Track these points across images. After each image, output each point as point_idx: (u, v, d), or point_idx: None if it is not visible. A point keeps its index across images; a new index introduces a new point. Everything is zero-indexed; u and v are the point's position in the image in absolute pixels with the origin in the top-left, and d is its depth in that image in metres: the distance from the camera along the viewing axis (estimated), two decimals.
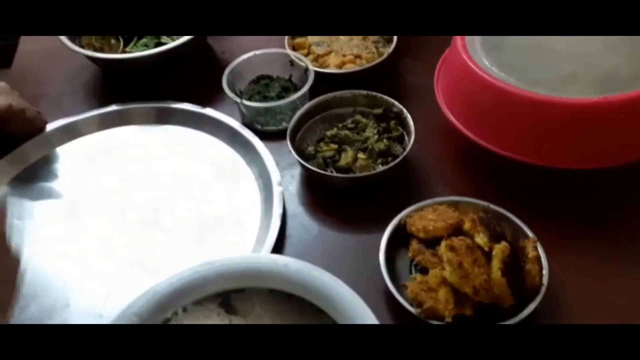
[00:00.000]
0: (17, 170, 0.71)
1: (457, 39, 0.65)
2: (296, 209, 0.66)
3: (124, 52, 0.79)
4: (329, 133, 0.69)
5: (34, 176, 0.71)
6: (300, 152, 0.67)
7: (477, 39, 0.65)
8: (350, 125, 0.70)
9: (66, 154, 0.74)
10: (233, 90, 0.73)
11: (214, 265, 0.45)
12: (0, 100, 0.68)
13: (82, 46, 0.81)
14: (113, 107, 0.76)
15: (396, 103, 0.69)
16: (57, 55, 0.85)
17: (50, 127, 0.75)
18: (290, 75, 0.77)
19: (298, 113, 0.69)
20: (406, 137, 0.68)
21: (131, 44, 0.80)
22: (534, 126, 0.59)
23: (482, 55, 0.63)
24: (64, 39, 0.78)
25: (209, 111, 0.74)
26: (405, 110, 0.68)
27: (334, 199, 0.66)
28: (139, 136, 0.75)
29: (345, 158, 0.66)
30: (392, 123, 0.69)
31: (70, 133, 0.74)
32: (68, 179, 0.71)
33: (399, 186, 0.66)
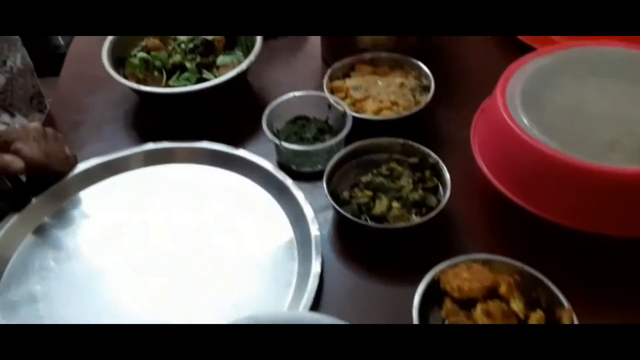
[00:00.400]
0: (55, 207, 0.72)
1: (498, 96, 0.66)
2: (329, 254, 0.66)
3: (166, 85, 0.81)
4: (364, 179, 0.70)
5: (71, 212, 0.71)
6: (334, 196, 0.68)
7: (517, 97, 0.66)
8: (385, 172, 0.70)
9: (102, 191, 0.74)
10: (271, 129, 0.75)
11: (260, 319, 0.45)
12: (24, 150, 0.68)
13: (125, 76, 0.83)
14: (150, 146, 0.76)
15: (432, 154, 0.70)
16: (100, 83, 0.87)
17: (87, 164, 0.75)
18: (327, 118, 0.78)
19: (335, 158, 0.70)
20: (441, 189, 0.68)
21: (174, 77, 0.82)
22: (572, 190, 0.60)
23: (522, 114, 0.64)
24: (108, 67, 0.80)
25: (243, 152, 0.75)
26: (441, 162, 0.69)
27: (368, 247, 0.67)
28: (174, 176, 0.75)
29: (380, 206, 0.67)
30: (428, 173, 0.70)
31: (107, 170, 0.75)
32: (103, 216, 0.71)
33: (432, 238, 0.66)
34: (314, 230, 0.65)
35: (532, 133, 0.62)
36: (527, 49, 0.86)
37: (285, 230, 0.68)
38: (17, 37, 0.83)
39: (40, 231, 0.70)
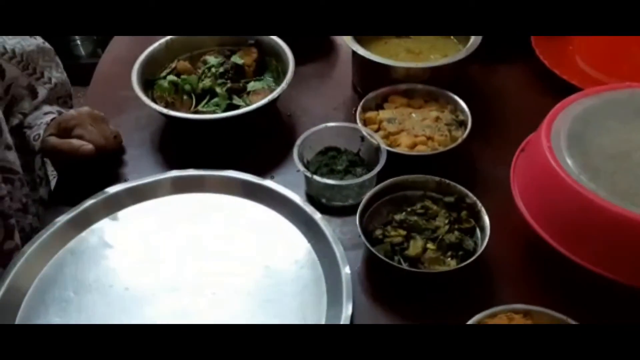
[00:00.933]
0: (76, 234, 0.69)
1: (542, 137, 0.63)
2: (360, 295, 0.63)
3: (195, 110, 0.79)
4: (397, 217, 0.67)
5: (93, 241, 0.69)
6: (366, 234, 0.65)
7: (563, 139, 0.63)
8: (419, 211, 0.68)
9: (125, 218, 0.71)
10: (301, 160, 0.72)
11: None
12: (85, 135, 0.72)
13: (153, 99, 0.81)
14: (175, 173, 0.74)
15: (470, 194, 0.67)
16: (127, 104, 0.85)
17: (111, 190, 0.72)
18: (359, 150, 0.76)
19: (368, 195, 0.67)
20: (478, 232, 0.65)
21: (203, 102, 0.81)
22: (620, 242, 0.56)
23: (568, 158, 0.61)
24: (137, 89, 0.79)
25: (270, 183, 0.73)
26: (479, 203, 0.66)
27: (400, 290, 0.64)
28: (199, 205, 0.73)
29: (415, 248, 0.64)
30: (464, 214, 0.67)
31: (131, 197, 0.72)
32: (125, 245, 0.69)
33: (468, 284, 0.63)
34: (345, 269, 0.63)
35: (579, 179, 0.59)
36: (569, 87, 0.84)
37: (313, 268, 0.65)
38: (49, 46, 0.83)
39: (60, 260, 0.67)
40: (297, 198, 0.71)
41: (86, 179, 0.77)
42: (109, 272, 0.66)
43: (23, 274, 0.64)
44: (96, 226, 0.70)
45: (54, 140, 0.73)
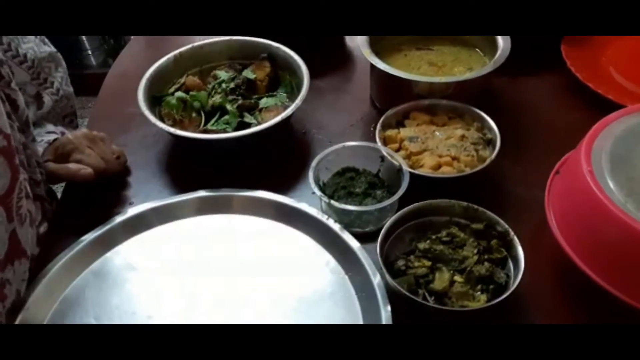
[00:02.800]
0: (98, 257, 0.65)
1: (582, 159, 0.58)
2: None
3: (204, 129, 0.74)
4: (421, 246, 0.62)
5: (114, 264, 0.65)
6: (387, 264, 0.60)
7: (604, 161, 0.57)
8: (445, 239, 0.62)
9: (146, 240, 0.67)
10: (317, 182, 0.68)
11: None
12: (84, 159, 0.69)
13: (161, 116, 0.77)
14: (201, 193, 0.70)
15: (501, 221, 0.61)
16: (135, 120, 0.81)
17: (137, 210, 0.69)
18: (379, 170, 0.71)
19: (389, 222, 0.62)
20: (510, 263, 0.60)
21: (212, 120, 0.76)
22: None
23: (611, 182, 0.55)
24: (143, 107, 0.75)
25: (288, 200, 0.68)
26: (511, 232, 0.60)
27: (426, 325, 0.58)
28: (228, 226, 0.68)
29: (441, 281, 0.58)
30: (494, 242, 0.61)
31: (159, 217, 0.68)
32: (154, 266, 0.65)
33: (500, 321, 0.58)
34: (386, 308, 0.57)
35: (625, 207, 0.53)
36: (604, 101, 0.78)
37: (349, 303, 0.60)
38: (60, 56, 0.80)
39: (83, 282, 0.63)
40: (335, 225, 0.65)
41: (89, 203, 0.73)
42: (132, 298, 0.62)
43: (43, 299, 0.61)
44: (121, 247, 0.66)
45: (51, 165, 0.69)
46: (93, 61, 2.17)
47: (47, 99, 0.76)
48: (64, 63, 0.81)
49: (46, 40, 0.78)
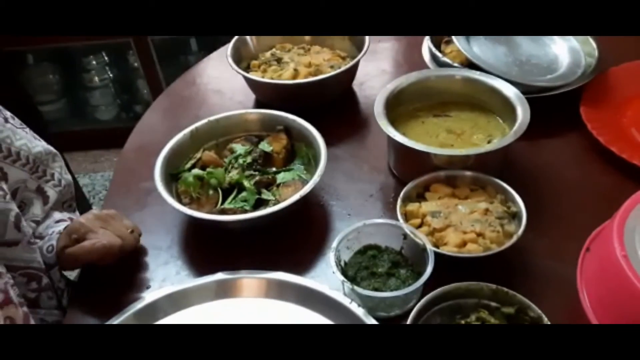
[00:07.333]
0: None
1: (615, 243, 0.55)
2: None
3: (222, 209, 0.73)
4: None
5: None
6: None
7: (639, 245, 0.55)
8: (475, 323, 0.60)
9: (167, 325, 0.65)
10: (339, 264, 0.66)
11: None
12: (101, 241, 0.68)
13: (178, 194, 0.76)
14: (219, 276, 0.68)
15: (532, 306, 0.59)
16: (152, 195, 0.80)
17: (149, 298, 0.67)
18: (402, 248, 0.69)
19: (416, 308, 0.59)
20: None
21: (230, 198, 0.75)
22: None
23: None
24: (160, 188, 0.74)
25: (309, 282, 0.66)
26: (544, 317, 0.58)
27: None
28: (250, 312, 0.66)
29: None
30: None
31: (174, 304, 0.67)
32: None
33: None
34: None
35: None
36: (628, 165, 0.76)
37: None
38: (54, 150, 0.79)
39: None
40: (358, 310, 0.63)
41: (105, 288, 0.71)
42: None
43: None
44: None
45: (68, 250, 0.69)
46: (106, 115, 2.20)
47: (52, 192, 0.76)
48: (60, 155, 0.80)
49: (37, 136, 0.77)
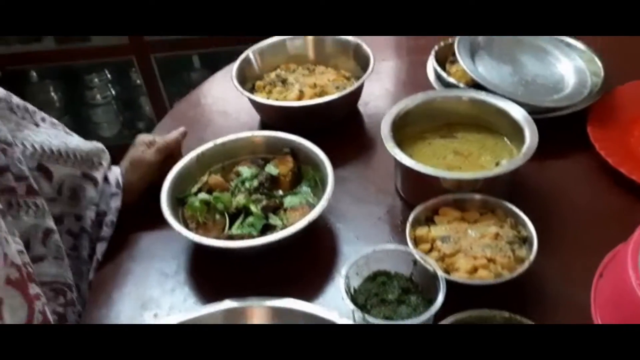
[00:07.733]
0: None
1: (630, 272, 0.55)
2: None
3: (229, 235, 0.72)
4: None
5: None
6: None
7: None
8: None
9: None
10: (348, 291, 0.65)
11: None
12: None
13: (184, 219, 0.76)
14: (227, 305, 0.66)
15: None
16: (159, 219, 0.79)
17: None
18: (412, 274, 0.68)
19: None
20: None
21: (237, 223, 0.74)
22: None
23: None
24: (167, 214, 0.73)
25: (319, 310, 0.64)
26: None
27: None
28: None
29: None
30: None
31: None
32: None
33: None
34: None
35: None
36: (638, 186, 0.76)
37: None
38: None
39: None
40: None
41: (113, 315, 0.71)
42: None
43: None
44: None
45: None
46: (108, 133, 2.20)
47: (98, 175, 0.79)
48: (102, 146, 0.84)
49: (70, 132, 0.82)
